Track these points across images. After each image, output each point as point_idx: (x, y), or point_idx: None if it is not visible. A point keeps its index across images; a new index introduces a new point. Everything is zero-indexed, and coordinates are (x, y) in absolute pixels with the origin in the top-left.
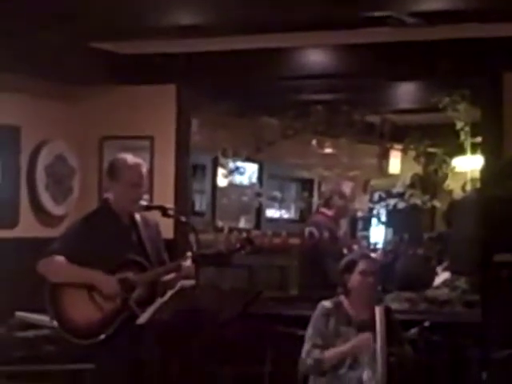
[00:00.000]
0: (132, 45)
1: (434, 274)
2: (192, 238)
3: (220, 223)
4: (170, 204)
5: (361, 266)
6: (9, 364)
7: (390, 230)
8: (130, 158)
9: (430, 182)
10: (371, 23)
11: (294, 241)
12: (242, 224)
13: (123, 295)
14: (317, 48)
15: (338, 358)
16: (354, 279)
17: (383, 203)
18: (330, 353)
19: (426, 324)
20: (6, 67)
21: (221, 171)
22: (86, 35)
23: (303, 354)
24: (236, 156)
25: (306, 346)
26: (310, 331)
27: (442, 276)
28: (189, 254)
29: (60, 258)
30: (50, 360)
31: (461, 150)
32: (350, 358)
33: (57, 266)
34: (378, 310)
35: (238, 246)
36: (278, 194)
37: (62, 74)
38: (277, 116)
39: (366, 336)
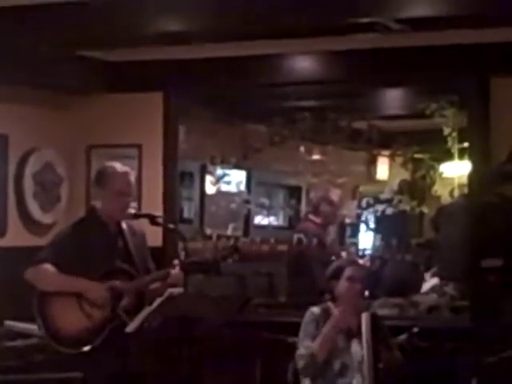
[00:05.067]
0: (119, 53)
1: (422, 280)
2: (180, 245)
3: (208, 231)
4: (158, 212)
5: (347, 272)
6: None
7: (379, 236)
8: (118, 166)
9: (417, 187)
10: (358, 29)
11: (283, 248)
12: (231, 231)
13: (111, 303)
14: (304, 54)
15: (325, 345)
16: (341, 285)
17: (371, 209)
18: (318, 341)
19: (415, 330)
20: None
21: (209, 178)
22: (74, 44)
23: (296, 357)
24: (224, 163)
25: (298, 350)
26: (301, 336)
27: (430, 282)
28: (177, 261)
29: (48, 267)
30: (38, 369)
31: (448, 156)
32: (338, 361)
33: (45, 275)
34: (364, 317)
35: (226, 253)
36: (265, 201)
37: (49, 83)
38: (264, 123)
39: (340, 309)
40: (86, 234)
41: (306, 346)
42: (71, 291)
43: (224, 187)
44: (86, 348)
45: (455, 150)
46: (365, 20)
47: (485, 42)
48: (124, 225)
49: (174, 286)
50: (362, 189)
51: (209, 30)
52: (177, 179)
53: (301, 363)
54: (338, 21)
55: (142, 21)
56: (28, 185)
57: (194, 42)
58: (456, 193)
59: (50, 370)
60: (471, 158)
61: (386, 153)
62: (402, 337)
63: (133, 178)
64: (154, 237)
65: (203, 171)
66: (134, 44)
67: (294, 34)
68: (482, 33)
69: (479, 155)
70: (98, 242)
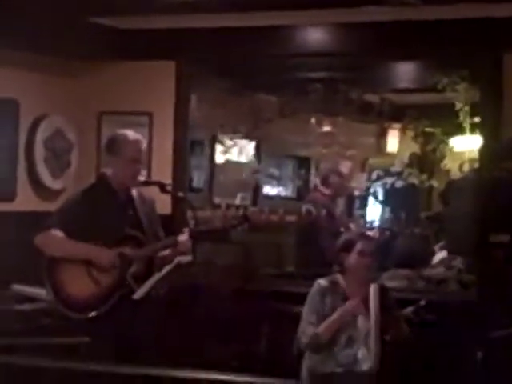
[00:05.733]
0: (132, 20)
1: (432, 252)
2: (189, 214)
3: (217, 200)
4: (168, 180)
5: (359, 246)
6: (5, 337)
7: (387, 209)
8: (129, 133)
9: (427, 161)
10: (371, 2)
11: (291, 218)
12: (239, 201)
13: (120, 269)
14: (316, 26)
15: (331, 329)
16: (352, 259)
17: (381, 182)
18: (323, 325)
19: (422, 303)
20: (5, 42)
21: (219, 148)
22: (86, 10)
23: (299, 333)
24: (234, 133)
25: (302, 324)
26: (305, 309)
27: (439, 255)
28: (186, 229)
29: (57, 232)
30: (46, 333)
31: (459, 130)
32: (344, 335)
33: (54, 240)
34: (372, 288)
35: (235, 222)
36: (275, 171)
37: (61, 49)
38: (275, 94)
39: (353, 302)
40: (96, 200)
41: (310, 321)
42: (80, 257)
43: (234, 157)
44: (94, 313)
45: (466, 125)
46: None
47: (498, 16)
48: (134, 192)
49: (182, 253)
50: (371, 161)
51: (222, 0)
52: (187, 148)
53: (303, 340)
54: None
55: None
56: (38, 150)
57: (206, 11)
58: (466, 167)
59: (57, 335)
60: (482, 133)
61: (397, 126)
62: (409, 309)
63: (144, 145)
64: (164, 205)
65: (213, 140)
66: (147, 12)
67: (306, 6)
68: (495, 7)
69: (490, 130)
70: (108, 208)
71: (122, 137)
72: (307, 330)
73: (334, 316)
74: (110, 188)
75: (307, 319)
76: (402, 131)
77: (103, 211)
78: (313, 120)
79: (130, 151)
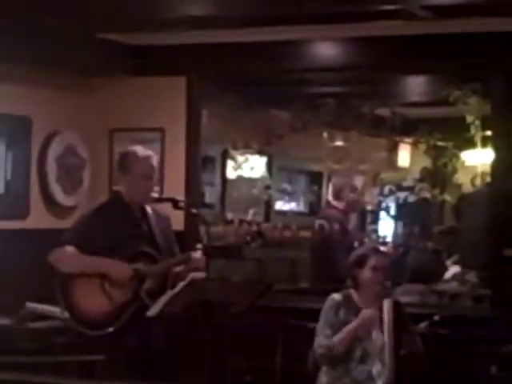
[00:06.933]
0: (142, 36)
1: (444, 267)
2: (202, 230)
3: (229, 215)
4: (180, 196)
5: (372, 261)
6: (19, 355)
7: (400, 224)
8: (141, 150)
9: (439, 175)
10: (382, 16)
11: (304, 234)
12: (251, 216)
13: (134, 286)
14: (327, 41)
15: (347, 339)
16: (365, 274)
17: (393, 196)
18: (338, 337)
19: (436, 318)
20: (18, 58)
21: (230, 163)
22: (97, 26)
23: (315, 345)
24: (246, 149)
25: (317, 338)
26: (320, 323)
27: (452, 270)
28: (199, 246)
29: (71, 249)
30: (60, 351)
31: (471, 144)
32: (359, 350)
33: (68, 256)
34: (385, 303)
35: (249, 238)
36: (287, 186)
37: (72, 66)
38: (286, 109)
39: (368, 312)
40: (111, 217)
41: (325, 334)
42: (95, 272)
43: (245, 172)
44: (108, 330)
45: (478, 138)
46: (391, 7)
47: (509, 30)
48: (149, 209)
49: (196, 270)
50: (383, 176)
51: (233, 15)
52: (199, 164)
53: (319, 353)
54: (364, 7)
55: (166, 5)
56: (51, 167)
57: (217, 27)
58: (478, 181)
59: (71, 353)
60: (494, 146)
61: (409, 140)
62: (423, 324)
63: (156, 161)
64: (176, 221)
65: (225, 156)
66: (158, 28)
67: (318, 20)
68: (507, 21)
69: (502, 143)
70: (123, 225)
71: (132, 153)
72: (323, 342)
73: (350, 326)
74: (125, 205)
75: (322, 332)
76: (414, 145)
77: (118, 228)
78: (325, 134)
79: (142, 168)
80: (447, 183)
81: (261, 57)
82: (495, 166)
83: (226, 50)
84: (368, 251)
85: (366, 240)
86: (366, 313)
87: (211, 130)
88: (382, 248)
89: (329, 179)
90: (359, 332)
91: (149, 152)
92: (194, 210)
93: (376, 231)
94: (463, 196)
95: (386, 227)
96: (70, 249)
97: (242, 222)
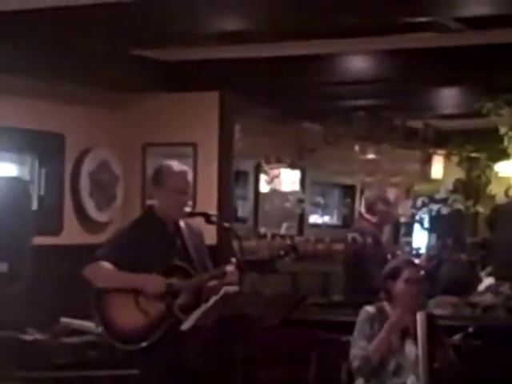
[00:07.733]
0: (175, 52)
1: (478, 279)
2: (235, 244)
3: (262, 229)
4: (213, 210)
5: (406, 273)
6: (54, 370)
7: (433, 236)
8: (175, 164)
9: (472, 187)
10: (414, 28)
11: (337, 247)
12: (284, 230)
13: (168, 301)
14: (359, 54)
15: (380, 348)
16: (399, 287)
17: (426, 208)
18: (372, 345)
19: (470, 330)
20: (51, 75)
21: (263, 177)
22: (130, 43)
23: (350, 357)
24: (278, 162)
25: (353, 350)
26: (355, 335)
27: (486, 281)
28: (233, 260)
29: (106, 264)
30: (94, 366)
31: (504, 155)
32: (393, 362)
33: (103, 271)
34: (419, 316)
35: (282, 252)
36: (320, 200)
37: (105, 82)
38: (319, 122)
39: (394, 314)
40: (145, 232)
41: (361, 346)
42: (129, 286)
43: (278, 186)
44: (142, 345)
45: (511, 149)
46: (424, 19)
47: None
48: (182, 224)
49: (229, 284)
50: (416, 188)
51: (266, 30)
52: (232, 178)
53: (355, 364)
54: (396, 20)
55: (196, 20)
56: (84, 184)
57: (249, 41)
58: (511, 192)
59: (105, 367)
60: None
61: (442, 152)
62: (457, 337)
63: (191, 176)
64: (209, 235)
65: (258, 170)
66: (189, 43)
67: (350, 34)
68: None
69: None
70: (157, 240)
71: (167, 168)
72: (358, 353)
73: (382, 333)
74: (158, 219)
75: (358, 344)
76: (447, 157)
77: (152, 243)
78: (357, 147)
79: (175, 182)
80: (480, 195)
81: (293, 71)
82: None
83: (258, 64)
84: (401, 264)
85: (399, 252)
86: (393, 315)
87: (244, 144)
88: (416, 260)
89: (362, 192)
90: (392, 338)
91: (184, 167)
92: (226, 224)
93: (409, 243)
94: (497, 207)
95: (420, 239)
96: (104, 264)
97: (274, 235)
